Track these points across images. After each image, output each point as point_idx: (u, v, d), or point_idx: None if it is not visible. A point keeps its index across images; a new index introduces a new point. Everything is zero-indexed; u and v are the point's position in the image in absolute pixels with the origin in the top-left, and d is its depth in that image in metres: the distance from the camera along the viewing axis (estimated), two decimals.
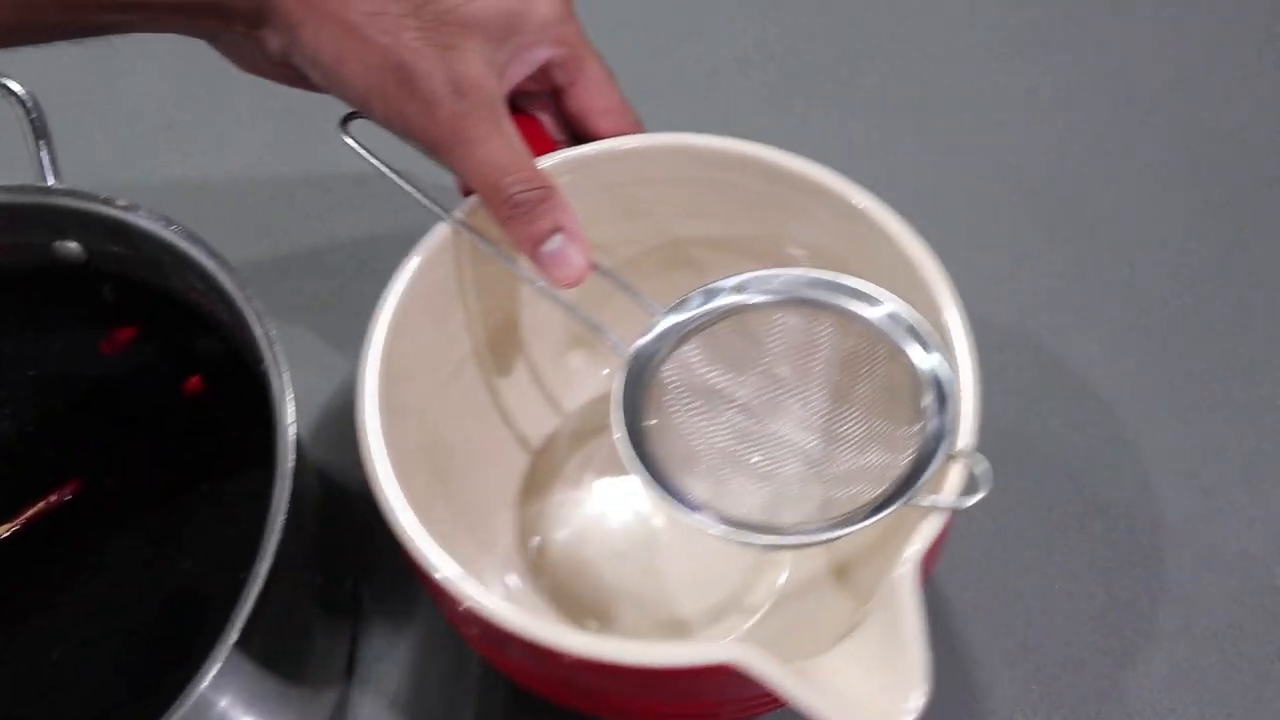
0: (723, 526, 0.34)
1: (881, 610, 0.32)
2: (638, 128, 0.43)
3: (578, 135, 0.43)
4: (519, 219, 0.38)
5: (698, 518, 0.35)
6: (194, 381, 0.43)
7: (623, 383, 0.37)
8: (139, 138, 0.63)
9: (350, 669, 0.45)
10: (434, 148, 0.38)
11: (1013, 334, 0.54)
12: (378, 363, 0.38)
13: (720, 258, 0.45)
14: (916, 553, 0.32)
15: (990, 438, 0.51)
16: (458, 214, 0.40)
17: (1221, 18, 0.67)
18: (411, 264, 0.40)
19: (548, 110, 0.43)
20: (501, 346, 0.46)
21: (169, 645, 0.39)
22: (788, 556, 0.45)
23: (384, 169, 0.41)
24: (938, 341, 0.36)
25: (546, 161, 0.41)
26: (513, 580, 0.45)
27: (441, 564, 0.33)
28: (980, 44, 0.66)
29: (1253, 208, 0.58)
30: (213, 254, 0.39)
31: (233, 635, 0.32)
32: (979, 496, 0.33)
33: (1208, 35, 0.66)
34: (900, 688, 0.30)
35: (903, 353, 0.36)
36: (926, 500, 0.34)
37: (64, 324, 0.45)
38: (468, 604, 0.33)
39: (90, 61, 0.66)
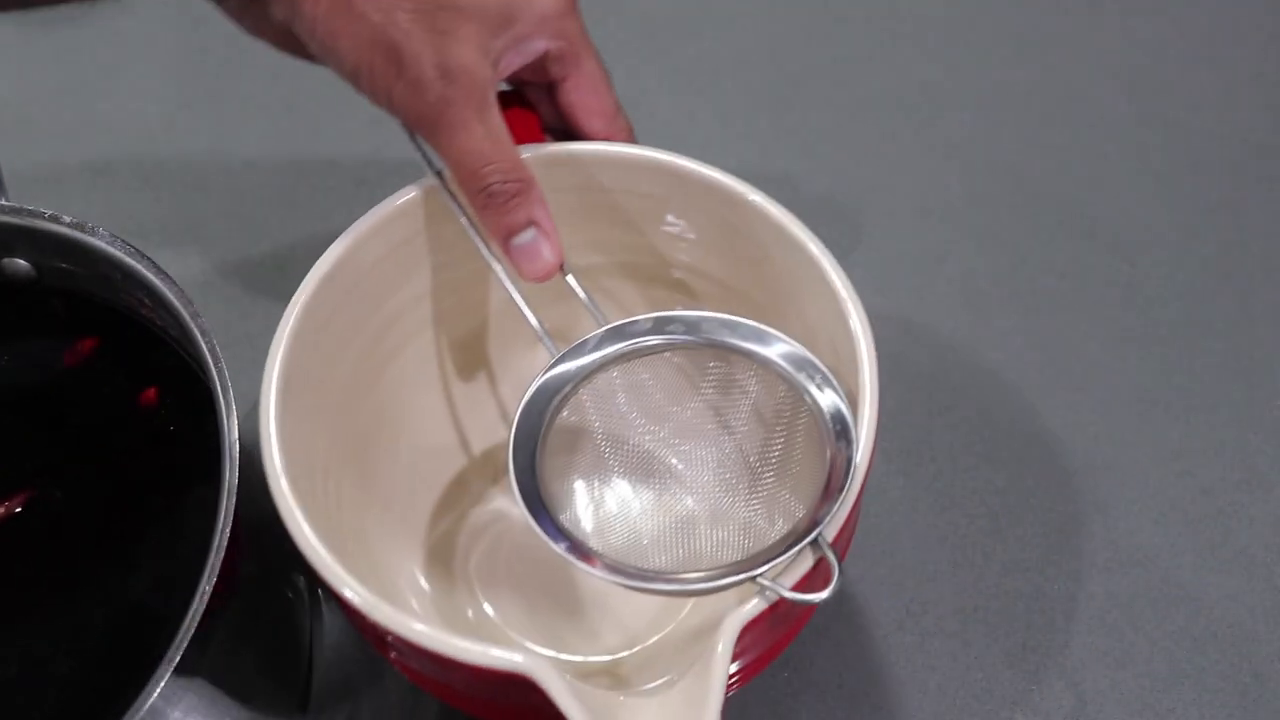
0: (574, 558, 0.33)
1: (695, 676, 0.31)
2: (626, 134, 0.42)
3: (568, 132, 0.43)
4: (493, 209, 0.38)
5: (559, 545, 0.34)
6: (150, 394, 0.43)
7: (525, 405, 0.36)
8: (139, 133, 0.64)
9: (309, 675, 0.44)
10: (418, 128, 0.38)
11: (1013, 334, 0.54)
12: (288, 334, 0.37)
13: (698, 283, 0.44)
14: (732, 630, 0.31)
15: (992, 437, 0.51)
16: (442, 172, 0.40)
17: (1221, 18, 0.67)
18: (368, 220, 0.39)
19: (544, 104, 0.43)
20: (466, 339, 0.45)
21: (126, 663, 0.38)
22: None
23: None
24: (853, 434, 0.34)
25: (527, 153, 0.40)
26: (423, 580, 0.44)
27: (301, 536, 0.33)
28: (980, 44, 0.66)
29: (1253, 208, 0.58)
30: (159, 271, 0.38)
31: (176, 656, 0.31)
32: (820, 597, 0.32)
33: (1207, 35, 0.66)
34: None
35: (819, 429, 0.35)
36: (769, 582, 0.32)
37: (19, 338, 0.45)
38: (311, 563, 0.33)
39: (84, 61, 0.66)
